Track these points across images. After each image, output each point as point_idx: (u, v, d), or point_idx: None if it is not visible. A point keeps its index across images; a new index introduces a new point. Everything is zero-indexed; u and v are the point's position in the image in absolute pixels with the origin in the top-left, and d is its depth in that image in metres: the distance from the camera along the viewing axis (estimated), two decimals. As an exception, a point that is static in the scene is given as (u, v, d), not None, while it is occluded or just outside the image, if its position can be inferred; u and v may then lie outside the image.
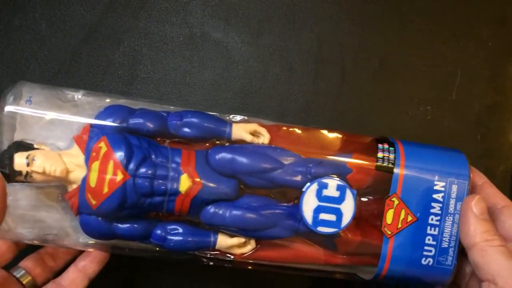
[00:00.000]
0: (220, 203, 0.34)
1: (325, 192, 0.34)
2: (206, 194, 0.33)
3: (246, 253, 0.35)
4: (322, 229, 0.34)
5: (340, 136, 0.36)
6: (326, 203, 0.33)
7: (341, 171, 0.34)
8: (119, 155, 0.32)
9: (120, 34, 0.43)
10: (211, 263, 0.36)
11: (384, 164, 0.34)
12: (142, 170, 0.32)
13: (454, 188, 0.33)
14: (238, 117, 0.36)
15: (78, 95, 0.35)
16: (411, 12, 0.45)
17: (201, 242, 0.34)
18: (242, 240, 0.34)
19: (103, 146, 0.32)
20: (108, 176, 0.31)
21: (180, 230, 0.34)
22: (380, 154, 0.34)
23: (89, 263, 0.36)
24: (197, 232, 0.34)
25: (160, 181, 0.32)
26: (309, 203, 0.34)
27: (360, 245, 0.35)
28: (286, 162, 0.34)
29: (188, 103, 0.43)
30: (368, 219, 0.34)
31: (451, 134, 0.45)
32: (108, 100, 0.35)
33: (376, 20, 0.45)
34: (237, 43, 0.44)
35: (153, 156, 0.33)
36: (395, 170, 0.34)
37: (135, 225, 0.33)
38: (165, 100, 0.43)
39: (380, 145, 0.35)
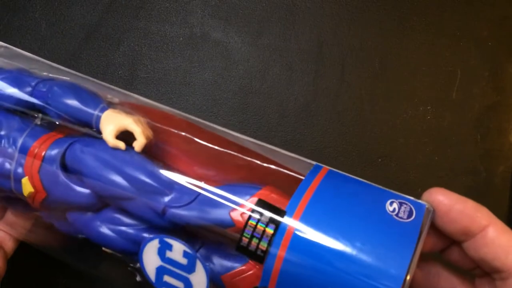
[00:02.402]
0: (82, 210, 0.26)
1: (169, 255, 0.24)
2: (54, 203, 0.26)
3: None
4: None
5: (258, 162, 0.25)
6: (170, 266, 0.24)
7: (218, 220, 0.23)
8: None
9: (120, 34, 0.43)
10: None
11: (251, 246, 0.21)
12: None
13: None
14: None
15: None
16: (411, 12, 0.45)
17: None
18: None
19: None
20: None
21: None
22: (250, 224, 0.22)
23: None
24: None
25: (3, 179, 0.26)
26: (150, 258, 0.25)
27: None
28: (143, 190, 0.24)
29: (188, 103, 0.43)
30: None
31: (451, 134, 0.45)
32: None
33: (376, 20, 0.45)
34: (237, 43, 0.44)
35: (2, 142, 0.26)
36: (270, 256, 0.21)
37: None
38: (165, 100, 0.43)
39: (255, 214, 0.22)
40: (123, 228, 0.25)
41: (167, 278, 0.25)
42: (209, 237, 0.24)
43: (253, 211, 0.22)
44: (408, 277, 0.19)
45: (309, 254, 0.20)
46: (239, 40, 0.44)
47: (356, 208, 0.22)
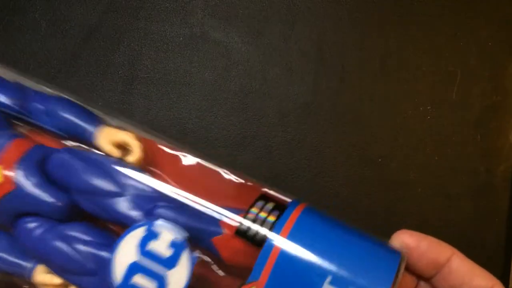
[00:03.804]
0: (39, 218, 0.24)
1: (152, 245, 0.22)
2: (18, 199, 0.24)
3: None
4: None
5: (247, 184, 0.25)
6: (148, 260, 0.22)
7: (206, 229, 0.23)
8: None
9: (120, 34, 0.43)
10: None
11: (251, 229, 0.22)
12: None
13: None
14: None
15: None
16: (411, 12, 0.45)
17: (14, 265, 0.25)
18: (57, 281, 0.25)
19: None
20: None
21: None
22: (253, 211, 0.22)
23: None
24: (14, 250, 0.25)
25: None
26: (125, 253, 0.22)
27: None
28: (132, 191, 0.24)
29: (188, 103, 0.43)
30: None
31: (451, 134, 0.45)
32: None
33: (376, 20, 0.45)
34: (237, 43, 0.44)
35: None
36: (269, 241, 0.21)
37: None
38: (165, 100, 0.43)
39: (259, 202, 0.23)
40: (82, 246, 0.24)
41: (137, 279, 0.22)
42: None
43: (257, 200, 0.23)
44: None
45: (312, 237, 0.21)
46: (239, 40, 0.44)
47: (349, 231, 0.23)
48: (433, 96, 0.45)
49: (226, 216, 0.22)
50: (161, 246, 0.22)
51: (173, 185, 0.24)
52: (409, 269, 0.25)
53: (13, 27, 0.42)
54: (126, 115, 0.27)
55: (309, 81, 0.44)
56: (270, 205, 0.22)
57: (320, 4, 0.45)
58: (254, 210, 0.22)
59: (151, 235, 0.22)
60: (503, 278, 0.42)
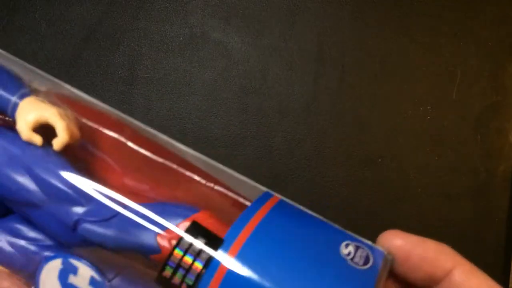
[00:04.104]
0: None
1: (73, 280, 0.20)
2: None
3: None
4: None
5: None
6: None
7: (141, 243, 0.18)
8: None
9: (120, 34, 0.43)
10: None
11: (172, 280, 0.17)
12: None
13: None
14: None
15: None
16: (411, 12, 0.45)
17: None
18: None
19: None
20: None
21: None
22: (178, 252, 0.18)
23: None
24: None
25: None
26: (48, 282, 0.20)
27: None
28: (54, 198, 0.20)
29: (188, 103, 0.43)
30: None
31: (451, 134, 0.45)
32: None
33: (376, 20, 0.45)
34: (237, 43, 0.44)
35: None
36: None
37: None
38: (165, 100, 0.43)
39: (188, 236, 0.18)
40: (23, 242, 0.20)
41: None
42: (128, 265, 0.20)
43: (181, 238, 0.18)
44: None
45: None
46: (239, 40, 0.44)
47: (307, 247, 0.18)
48: (433, 96, 0.45)
49: (164, 230, 0.18)
50: (81, 282, 0.20)
51: (107, 185, 0.20)
52: (397, 278, 0.21)
53: (13, 27, 0.42)
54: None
55: (309, 81, 0.44)
56: (199, 243, 0.17)
57: (320, 4, 0.45)
58: (178, 252, 0.17)
59: (69, 269, 0.20)
60: (503, 278, 0.42)
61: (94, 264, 0.19)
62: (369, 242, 0.20)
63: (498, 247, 0.42)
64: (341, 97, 0.44)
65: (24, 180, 0.20)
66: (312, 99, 0.44)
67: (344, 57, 0.44)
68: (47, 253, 0.20)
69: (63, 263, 0.20)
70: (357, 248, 0.19)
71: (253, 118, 0.43)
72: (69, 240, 0.20)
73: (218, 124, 0.43)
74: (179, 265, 0.17)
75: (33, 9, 0.43)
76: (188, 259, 0.17)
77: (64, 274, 0.20)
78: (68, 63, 0.42)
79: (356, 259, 0.18)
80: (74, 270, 0.20)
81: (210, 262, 0.17)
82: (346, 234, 0.20)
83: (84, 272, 0.19)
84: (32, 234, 0.21)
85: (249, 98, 0.44)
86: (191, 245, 0.17)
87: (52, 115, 0.20)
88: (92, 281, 0.19)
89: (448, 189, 0.43)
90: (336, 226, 0.20)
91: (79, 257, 0.20)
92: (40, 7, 0.43)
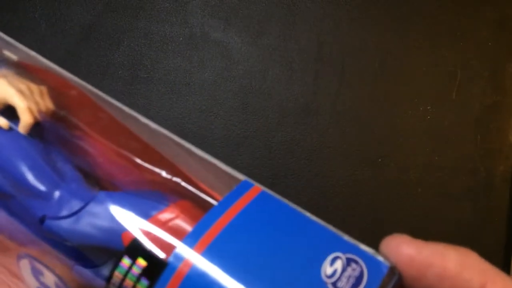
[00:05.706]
0: None
1: (44, 280, 0.19)
2: None
3: None
4: None
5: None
6: None
7: (108, 240, 0.17)
8: None
9: (120, 34, 0.43)
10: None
11: None
12: None
13: None
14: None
15: None
16: (411, 12, 0.45)
17: None
18: None
19: None
20: None
21: None
22: (118, 272, 0.15)
23: None
24: None
25: None
26: (27, 276, 0.19)
27: None
28: (24, 191, 0.18)
29: (188, 103, 0.43)
30: None
31: (451, 134, 0.45)
32: None
33: (376, 20, 0.45)
34: (237, 43, 0.44)
35: None
36: None
37: None
38: (165, 100, 0.43)
39: (126, 258, 0.16)
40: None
41: None
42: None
43: (121, 257, 0.15)
44: None
45: None
46: (239, 40, 0.44)
47: (282, 261, 0.15)
48: (433, 96, 0.45)
49: (127, 228, 0.16)
50: (50, 280, 0.18)
51: (78, 169, 0.18)
52: None
53: (13, 27, 0.42)
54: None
55: (309, 81, 0.44)
56: (138, 267, 0.15)
57: (320, 4, 0.45)
58: (118, 273, 0.15)
59: (36, 272, 0.18)
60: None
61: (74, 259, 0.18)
62: (370, 251, 0.15)
63: (498, 247, 0.42)
64: (341, 97, 0.44)
65: None
66: (312, 99, 0.44)
67: (344, 57, 0.44)
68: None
69: (31, 263, 0.18)
70: (348, 263, 0.15)
71: (253, 118, 0.43)
72: (39, 233, 0.18)
73: (218, 124, 0.43)
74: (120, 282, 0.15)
75: (33, 9, 0.43)
76: (129, 281, 0.15)
77: (36, 273, 0.19)
78: (68, 63, 0.42)
79: (341, 284, 0.14)
80: (42, 273, 0.18)
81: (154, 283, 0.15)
82: (339, 241, 0.16)
83: (49, 278, 0.18)
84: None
85: (249, 98, 0.44)
86: (131, 267, 0.15)
87: (11, 95, 0.19)
88: (58, 285, 0.18)
89: (448, 189, 0.43)
90: (329, 227, 0.16)
91: (42, 261, 0.18)
92: (40, 7, 0.43)
